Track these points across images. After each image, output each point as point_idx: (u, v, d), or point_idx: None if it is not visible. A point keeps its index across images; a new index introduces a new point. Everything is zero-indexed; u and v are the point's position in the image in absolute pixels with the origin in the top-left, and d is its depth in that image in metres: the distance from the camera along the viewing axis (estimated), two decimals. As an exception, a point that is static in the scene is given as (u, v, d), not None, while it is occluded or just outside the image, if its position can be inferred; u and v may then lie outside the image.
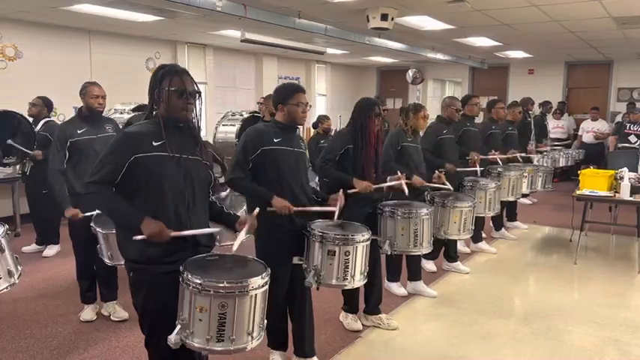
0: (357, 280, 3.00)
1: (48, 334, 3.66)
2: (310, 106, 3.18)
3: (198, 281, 2.02)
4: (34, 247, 5.66)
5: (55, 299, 4.30)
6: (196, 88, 2.27)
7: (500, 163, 5.47)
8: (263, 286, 2.12)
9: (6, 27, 6.90)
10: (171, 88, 2.20)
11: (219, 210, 2.49)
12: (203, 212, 2.37)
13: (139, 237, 2.09)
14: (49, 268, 5.09)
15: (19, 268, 2.96)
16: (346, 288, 3.22)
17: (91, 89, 3.73)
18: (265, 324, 2.23)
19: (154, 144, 2.19)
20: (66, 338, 3.60)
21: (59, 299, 4.29)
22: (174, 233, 2.13)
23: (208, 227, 2.42)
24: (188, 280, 2.05)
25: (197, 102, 2.26)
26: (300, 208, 2.88)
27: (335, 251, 2.88)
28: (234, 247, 2.25)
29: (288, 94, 2.95)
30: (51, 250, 5.53)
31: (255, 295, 2.08)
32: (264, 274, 2.14)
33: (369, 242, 3.04)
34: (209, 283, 2.01)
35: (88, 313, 3.87)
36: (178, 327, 2.08)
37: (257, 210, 2.48)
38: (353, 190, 3.35)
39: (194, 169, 2.30)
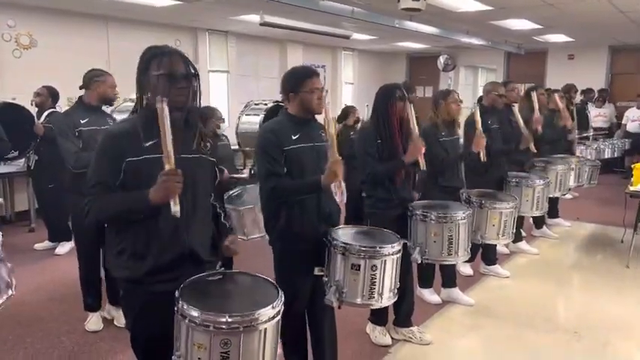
0: (386, 299, 2.61)
1: (49, 344, 3.37)
2: (327, 91, 2.76)
3: (195, 314, 1.65)
4: (46, 244, 5.39)
5: (62, 303, 4.01)
6: (191, 70, 1.89)
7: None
8: (275, 317, 1.74)
9: (21, 14, 6.62)
10: (160, 72, 1.83)
11: (216, 214, 2.13)
12: (205, 217, 2.03)
13: (174, 210, 1.71)
14: (58, 268, 4.80)
15: (13, 281, 2.68)
16: (373, 307, 2.84)
17: (110, 79, 3.48)
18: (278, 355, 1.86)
19: (145, 145, 1.82)
20: (67, 349, 3.32)
21: (66, 303, 3.98)
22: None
23: (212, 235, 2.06)
24: (183, 311, 1.69)
25: (194, 86, 1.88)
26: None
27: (360, 265, 2.49)
28: None
29: (299, 81, 2.53)
30: (63, 248, 5.24)
31: (265, 329, 1.70)
32: (275, 303, 1.75)
33: (399, 254, 2.64)
34: (207, 316, 1.64)
35: (93, 322, 3.58)
36: (174, 363, 1.72)
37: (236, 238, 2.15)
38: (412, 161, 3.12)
39: (195, 169, 1.93)
